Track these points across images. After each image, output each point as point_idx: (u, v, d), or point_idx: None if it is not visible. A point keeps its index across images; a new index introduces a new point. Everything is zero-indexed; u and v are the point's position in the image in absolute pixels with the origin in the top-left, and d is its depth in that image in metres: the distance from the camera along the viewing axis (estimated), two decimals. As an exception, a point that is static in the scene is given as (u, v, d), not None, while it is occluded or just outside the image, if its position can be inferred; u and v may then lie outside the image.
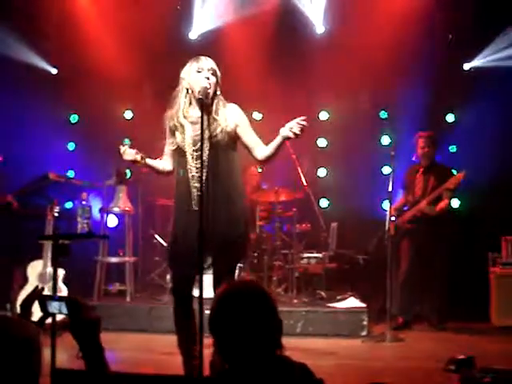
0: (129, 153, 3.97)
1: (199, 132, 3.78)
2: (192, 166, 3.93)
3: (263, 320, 2.08)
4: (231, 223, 3.96)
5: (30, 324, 1.92)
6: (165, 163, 4.16)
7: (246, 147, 4.04)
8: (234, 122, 3.97)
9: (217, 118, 3.93)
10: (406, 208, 6.61)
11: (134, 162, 3.99)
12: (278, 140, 3.86)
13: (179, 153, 4.01)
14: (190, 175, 3.94)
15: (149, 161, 4.09)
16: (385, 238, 6.11)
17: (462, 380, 4.15)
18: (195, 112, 3.92)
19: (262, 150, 4.00)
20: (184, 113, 3.96)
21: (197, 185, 3.86)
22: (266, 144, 3.99)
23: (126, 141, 4.01)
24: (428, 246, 6.38)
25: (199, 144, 3.81)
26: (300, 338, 5.74)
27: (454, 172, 6.45)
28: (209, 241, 3.79)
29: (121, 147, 3.97)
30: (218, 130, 3.92)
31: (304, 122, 3.71)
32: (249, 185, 6.90)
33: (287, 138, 3.79)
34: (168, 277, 6.65)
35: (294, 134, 3.72)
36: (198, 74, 3.91)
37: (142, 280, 7.20)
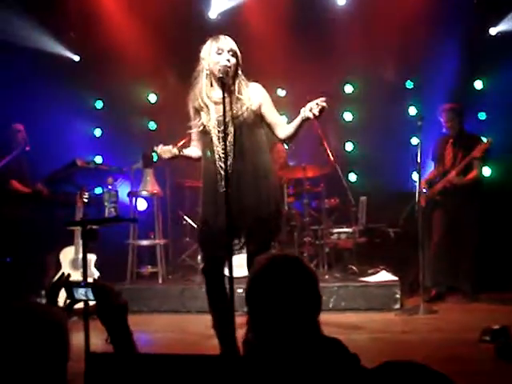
0: (166, 150, 3.98)
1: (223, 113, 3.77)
2: (218, 146, 3.92)
3: (304, 294, 2.03)
4: (261, 201, 3.96)
5: (57, 309, 1.93)
6: (197, 150, 4.17)
7: (269, 126, 4.03)
8: (257, 100, 3.97)
9: (240, 98, 3.92)
10: (437, 179, 6.52)
11: (174, 157, 4.00)
12: (297, 120, 3.83)
13: (205, 134, 4.00)
14: (216, 156, 3.93)
15: (186, 151, 4.11)
16: (415, 210, 6.04)
17: (497, 350, 4.12)
18: (217, 93, 3.89)
19: (284, 129, 3.99)
20: (207, 93, 3.96)
21: (223, 165, 3.85)
22: (289, 122, 3.97)
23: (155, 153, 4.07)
24: (460, 216, 6.30)
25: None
26: (333, 313, 5.72)
27: (484, 140, 6.34)
28: (239, 220, 3.80)
29: (156, 149, 3.99)
30: (244, 108, 3.91)
31: (324, 104, 3.65)
32: (276, 162, 6.87)
33: (307, 119, 3.75)
34: (199, 257, 6.69)
35: (314, 115, 3.66)
36: (218, 56, 3.88)
37: (173, 262, 7.25)
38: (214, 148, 3.94)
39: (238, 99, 3.92)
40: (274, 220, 4.03)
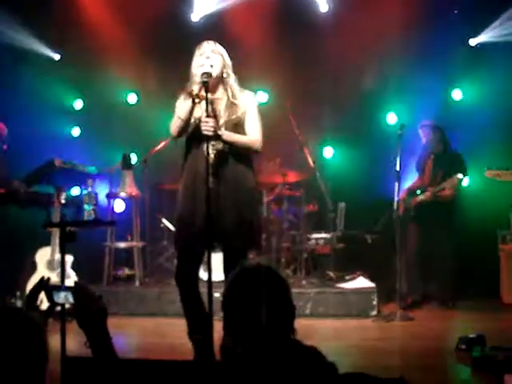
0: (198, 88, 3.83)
1: (217, 111, 3.89)
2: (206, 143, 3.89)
3: (277, 303, 2.08)
4: (242, 205, 3.97)
5: (35, 314, 1.91)
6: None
7: None
8: (245, 107, 4.01)
9: (235, 102, 3.98)
10: (418, 191, 6.53)
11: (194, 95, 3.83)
12: None
13: (194, 128, 3.97)
14: (200, 152, 3.92)
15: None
16: (393, 217, 6.07)
17: (473, 359, 4.14)
18: (211, 93, 3.92)
19: None
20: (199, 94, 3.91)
21: (206, 164, 3.83)
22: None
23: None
24: (436, 224, 6.35)
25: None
26: (310, 320, 5.72)
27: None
28: (218, 221, 3.79)
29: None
30: (239, 113, 3.98)
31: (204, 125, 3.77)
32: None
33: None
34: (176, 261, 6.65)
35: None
36: (199, 57, 3.91)
37: (150, 264, 7.19)
38: (200, 144, 3.91)
39: (233, 103, 3.97)
40: (254, 225, 4.03)
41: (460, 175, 6.08)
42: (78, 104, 8.22)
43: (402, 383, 2.03)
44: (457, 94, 7.66)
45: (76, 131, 8.23)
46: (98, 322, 2.08)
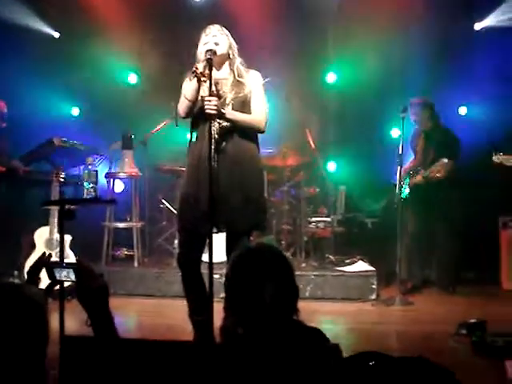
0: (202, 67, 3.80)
1: (221, 91, 3.90)
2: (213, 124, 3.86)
3: (281, 283, 2.08)
4: (249, 185, 3.96)
5: (37, 291, 1.88)
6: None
7: None
8: (250, 86, 4.00)
9: (242, 81, 3.98)
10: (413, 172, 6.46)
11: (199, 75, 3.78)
12: None
13: (199, 108, 3.92)
14: (206, 132, 3.84)
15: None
16: (394, 200, 6.03)
17: (473, 344, 4.14)
18: (217, 74, 3.94)
19: None
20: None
21: (209, 144, 3.77)
22: None
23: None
24: (437, 208, 6.30)
25: (220, 101, 3.84)
26: (309, 302, 5.69)
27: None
28: (222, 202, 3.76)
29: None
30: (246, 91, 3.96)
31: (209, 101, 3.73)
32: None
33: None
34: (176, 242, 6.62)
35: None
36: (205, 37, 3.90)
37: (149, 245, 7.17)
38: (206, 124, 3.84)
39: (239, 82, 3.97)
40: (260, 204, 4.01)
41: (445, 160, 5.95)
42: (78, 82, 8.12)
43: (422, 362, 2.01)
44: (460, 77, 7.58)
45: (76, 111, 8.17)
46: (100, 300, 2.05)
